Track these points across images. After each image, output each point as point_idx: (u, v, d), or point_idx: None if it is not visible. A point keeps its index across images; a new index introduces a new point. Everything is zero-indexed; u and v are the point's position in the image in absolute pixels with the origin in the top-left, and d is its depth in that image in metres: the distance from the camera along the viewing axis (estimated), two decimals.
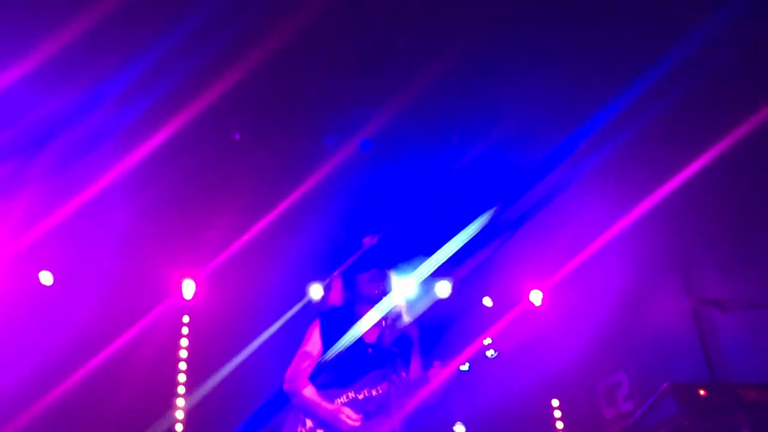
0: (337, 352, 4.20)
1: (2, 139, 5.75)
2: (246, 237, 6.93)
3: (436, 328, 6.78)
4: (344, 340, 4.20)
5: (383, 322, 4.30)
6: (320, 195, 6.78)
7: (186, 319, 7.46)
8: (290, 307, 7.18)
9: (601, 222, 7.02)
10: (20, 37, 5.05)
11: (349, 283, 4.43)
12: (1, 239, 6.37)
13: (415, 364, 4.38)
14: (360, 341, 4.26)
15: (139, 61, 5.23)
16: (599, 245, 7.06)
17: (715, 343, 6.59)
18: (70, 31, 4.99)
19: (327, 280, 7.15)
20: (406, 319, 4.43)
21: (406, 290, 6.61)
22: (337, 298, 4.50)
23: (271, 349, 6.93)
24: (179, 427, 6.92)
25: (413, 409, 4.17)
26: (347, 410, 4.07)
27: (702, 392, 4.58)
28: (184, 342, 7.35)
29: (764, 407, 4.56)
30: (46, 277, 6.76)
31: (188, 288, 7.31)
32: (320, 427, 4.10)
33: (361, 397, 4.14)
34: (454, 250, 6.88)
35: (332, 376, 4.21)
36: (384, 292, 4.30)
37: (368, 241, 4.48)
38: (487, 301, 8.06)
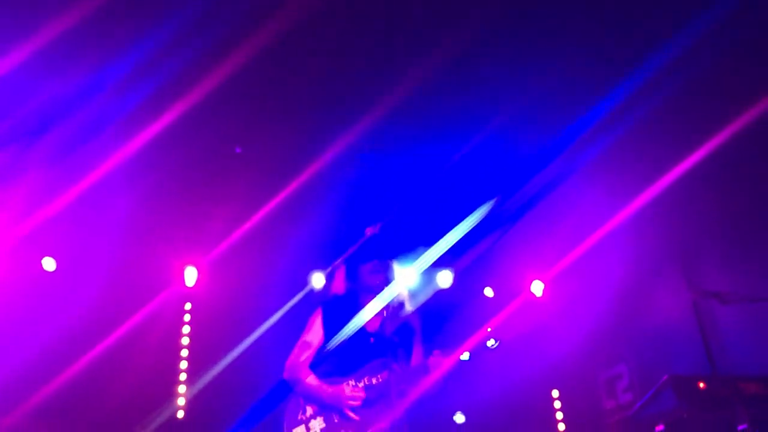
0: (338, 341, 4.22)
1: (3, 126, 5.75)
2: (248, 225, 6.93)
3: (438, 318, 6.79)
4: (346, 330, 4.22)
5: (385, 311, 4.33)
6: (322, 184, 6.79)
7: (188, 306, 7.47)
8: (292, 296, 7.19)
9: (603, 213, 7.01)
10: (21, 23, 5.04)
11: (351, 273, 4.44)
12: (3, 225, 6.37)
13: (417, 353, 4.40)
14: (362, 330, 4.28)
15: (140, 48, 5.22)
16: (600, 236, 7.06)
17: (716, 336, 6.60)
18: (71, 17, 4.98)
19: (329, 269, 7.16)
20: (408, 308, 4.44)
21: (408, 280, 6.63)
22: (339, 287, 4.52)
23: (272, 337, 6.95)
24: (181, 414, 6.95)
25: (414, 398, 4.19)
26: (348, 389, 4.09)
27: (702, 385, 4.61)
28: (186, 329, 7.37)
29: (764, 400, 4.59)
30: (49, 264, 6.77)
31: (190, 276, 7.32)
32: (320, 414, 4.12)
33: (361, 385, 4.16)
34: (456, 241, 6.89)
35: (333, 364, 4.23)
36: (386, 282, 4.32)
37: (370, 231, 4.48)
38: (489, 292, 8.07)
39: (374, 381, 4.16)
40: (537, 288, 8.10)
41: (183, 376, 7.12)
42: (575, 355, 7.89)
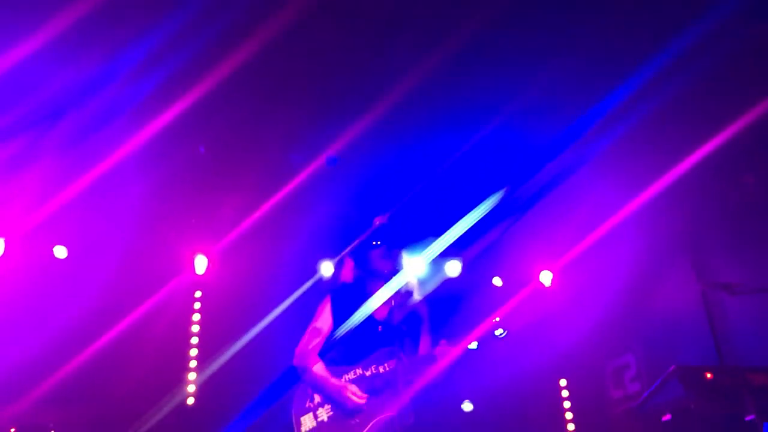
0: (347, 330, 4.25)
1: (17, 113, 5.78)
2: (258, 214, 6.96)
3: (446, 308, 6.82)
4: (354, 318, 4.25)
5: (393, 300, 4.35)
6: (332, 174, 6.80)
7: (198, 294, 7.51)
8: (301, 285, 7.22)
9: (612, 204, 7.01)
10: (34, 12, 5.05)
11: (361, 260, 4.46)
12: (16, 212, 6.42)
13: (424, 342, 4.42)
14: (370, 318, 4.30)
15: (152, 37, 5.22)
16: (610, 227, 7.06)
17: (724, 327, 6.60)
18: (85, 5, 5.00)
19: (338, 258, 7.19)
20: (417, 297, 4.47)
21: (417, 269, 6.66)
22: (348, 275, 4.54)
23: (281, 325, 6.99)
24: (191, 400, 7.00)
25: (421, 387, 4.21)
26: (353, 387, 4.12)
27: (709, 375, 4.60)
28: (196, 317, 7.42)
29: None
30: (60, 251, 6.82)
31: (201, 264, 7.36)
32: (328, 402, 4.16)
33: (368, 373, 4.19)
34: (465, 230, 6.90)
35: (341, 352, 4.26)
36: (395, 270, 4.34)
37: (379, 220, 4.50)
38: (497, 281, 8.08)
39: (381, 369, 4.18)
40: (545, 278, 8.10)
41: (193, 364, 7.17)
42: (583, 344, 7.90)
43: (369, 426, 4.05)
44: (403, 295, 4.38)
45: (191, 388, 7.05)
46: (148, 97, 5.79)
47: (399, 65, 5.77)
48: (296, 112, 6.33)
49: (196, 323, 7.39)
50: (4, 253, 6.45)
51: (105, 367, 6.49)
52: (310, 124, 6.45)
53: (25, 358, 6.16)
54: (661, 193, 6.61)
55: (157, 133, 6.07)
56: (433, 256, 6.86)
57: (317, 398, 4.19)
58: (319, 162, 6.59)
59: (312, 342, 4.29)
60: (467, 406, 7.67)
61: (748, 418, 4.47)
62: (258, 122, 6.42)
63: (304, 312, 4.63)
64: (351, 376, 4.20)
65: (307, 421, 4.14)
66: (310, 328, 4.35)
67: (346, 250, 4.59)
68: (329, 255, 7.46)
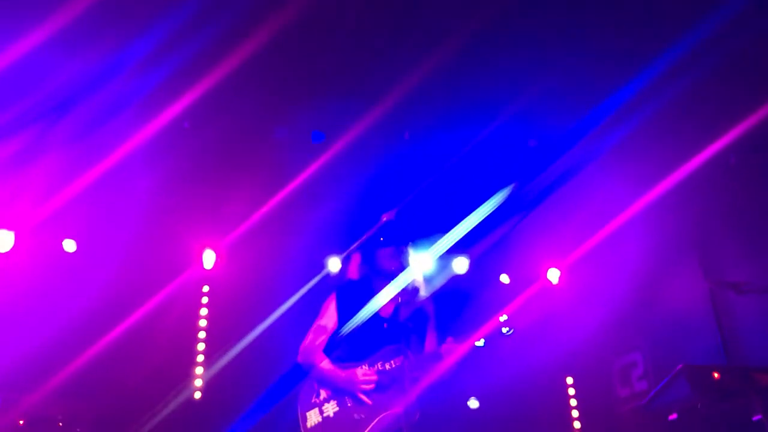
0: (352, 327, 4.25)
1: (25, 106, 5.78)
2: (266, 209, 6.97)
3: (453, 304, 6.82)
4: (360, 315, 4.25)
5: (400, 297, 4.35)
6: (340, 169, 6.80)
7: (206, 289, 7.54)
8: (308, 280, 7.23)
9: (620, 201, 6.99)
10: (41, 3, 5.05)
11: (367, 258, 4.46)
12: (25, 206, 6.45)
13: (430, 340, 4.42)
14: (376, 316, 4.31)
15: (160, 28, 5.20)
16: (618, 224, 7.04)
17: (732, 326, 6.58)
18: None
19: (345, 253, 7.20)
20: (423, 294, 4.47)
21: (424, 266, 6.66)
22: (354, 272, 4.54)
23: (289, 320, 7.01)
24: (198, 395, 7.03)
25: (428, 384, 4.22)
26: (361, 372, 4.13)
27: (716, 375, 4.59)
28: (203, 311, 7.44)
29: None
30: (69, 245, 6.84)
31: (209, 258, 7.38)
32: (334, 398, 4.17)
33: (374, 370, 4.19)
34: (472, 227, 6.90)
35: (347, 349, 4.27)
36: (401, 268, 4.34)
37: (386, 217, 4.50)
38: (505, 279, 8.07)
39: (387, 366, 4.19)
40: (553, 276, 8.09)
41: (200, 358, 7.20)
42: (590, 342, 7.88)
43: (374, 422, 4.06)
44: (410, 292, 4.38)
45: (198, 383, 7.07)
46: (156, 90, 5.78)
47: (406, 61, 5.76)
48: (305, 108, 6.32)
49: (203, 318, 7.41)
50: (13, 247, 6.48)
51: (113, 360, 6.51)
52: (318, 120, 6.45)
53: (34, 351, 6.18)
54: (669, 190, 6.59)
55: (165, 127, 6.07)
56: (441, 253, 6.86)
57: (323, 394, 4.20)
58: (321, 160, 6.58)
59: (317, 339, 4.30)
60: (473, 403, 7.67)
61: (755, 418, 4.47)
62: (267, 116, 6.42)
63: (311, 307, 4.63)
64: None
65: (313, 416, 4.15)
66: (314, 326, 4.36)
67: (353, 246, 4.59)
68: (337, 251, 7.47)
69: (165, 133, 6.14)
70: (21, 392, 6.07)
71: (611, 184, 6.99)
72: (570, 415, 8.00)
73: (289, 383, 5.98)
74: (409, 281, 4.36)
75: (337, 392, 4.17)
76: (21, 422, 5.92)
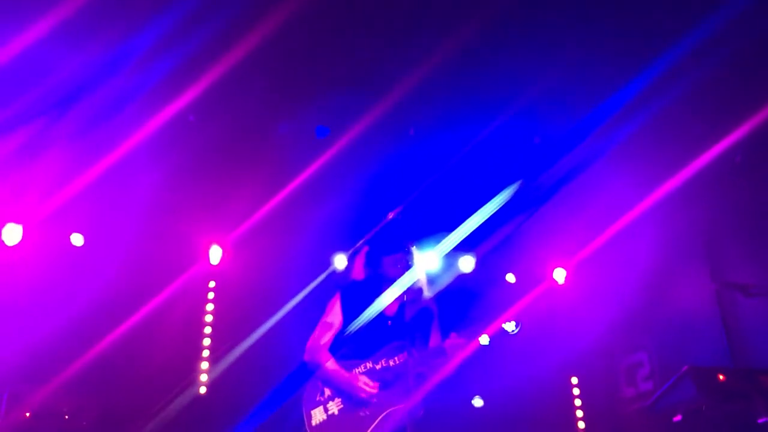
0: (357, 326, 4.26)
1: (31, 99, 5.78)
2: (273, 205, 6.98)
3: (459, 303, 6.81)
4: (365, 314, 4.26)
5: (404, 296, 4.36)
6: (346, 166, 6.81)
7: (212, 284, 7.55)
8: (315, 276, 7.24)
9: (628, 200, 6.96)
10: None
11: (372, 261, 4.47)
12: (32, 200, 6.46)
13: (434, 338, 4.43)
14: (380, 314, 4.32)
15: (164, 21, 5.17)
16: (625, 224, 7.01)
17: (738, 328, 6.55)
18: None
19: (351, 251, 7.21)
20: (427, 294, 4.47)
21: (429, 264, 6.65)
22: (358, 272, 4.55)
23: (294, 317, 7.02)
24: (203, 389, 7.05)
25: (432, 381, 4.23)
26: (363, 378, 4.14)
27: (721, 377, 4.58)
28: (209, 307, 7.46)
29: None
30: (77, 239, 6.86)
31: (215, 254, 7.40)
32: (338, 396, 4.18)
33: (378, 367, 4.21)
34: (478, 224, 6.88)
35: (352, 347, 4.28)
36: (405, 269, 4.34)
37: (392, 215, 4.51)
38: (511, 278, 8.06)
39: (392, 363, 4.20)
40: (559, 275, 8.07)
41: (206, 353, 7.22)
42: (596, 342, 7.87)
43: (379, 419, 4.08)
44: (414, 291, 4.39)
45: (204, 378, 7.10)
46: (161, 83, 5.76)
47: (412, 56, 5.73)
48: (309, 104, 6.32)
49: (209, 313, 7.43)
50: (21, 241, 6.50)
51: (118, 355, 6.53)
52: (323, 116, 6.44)
53: (41, 344, 6.20)
54: (677, 190, 6.55)
55: (171, 121, 6.07)
56: (447, 251, 6.85)
57: (327, 392, 4.21)
58: (325, 157, 6.58)
59: (323, 337, 4.31)
60: (478, 402, 7.67)
61: (760, 420, 4.46)
62: (271, 111, 6.42)
63: (318, 304, 4.64)
64: (361, 369, 4.23)
65: (318, 414, 4.16)
66: (320, 323, 4.38)
67: (359, 243, 4.60)
68: (343, 248, 7.47)
69: (171, 126, 6.13)
70: (27, 385, 6.10)
71: (617, 183, 6.96)
72: (574, 414, 7.99)
73: (294, 381, 6.00)
74: (414, 281, 4.37)
75: (341, 391, 4.18)
76: (27, 415, 5.95)
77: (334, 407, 4.16)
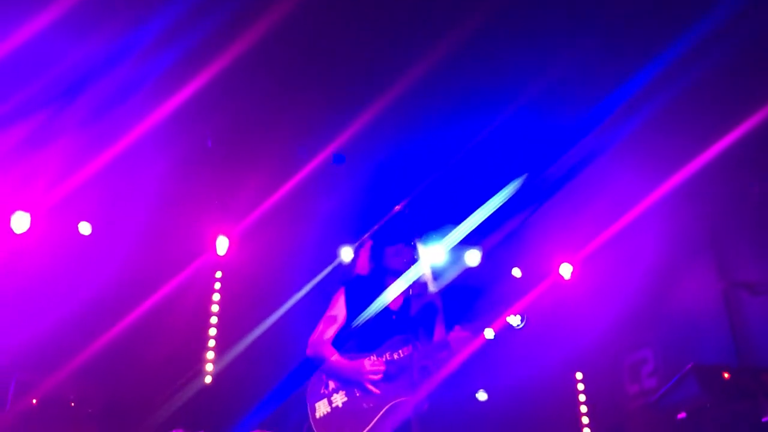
0: (362, 320, 4.27)
1: (38, 87, 5.79)
2: (280, 196, 6.99)
3: (465, 297, 6.82)
4: (369, 309, 4.26)
5: (409, 290, 4.36)
6: (353, 158, 6.81)
7: (219, 275, 7.57)
8: (321, 269, 7.26)
9: (634, 195, 6.94)
10: None
11: (376, 254, 4.47)
12: (40, 188, 6.48)
13: (439, 332, 4.43)
14: (385, 308, 4.32)
15: (171, 10, 5.16)
16: (631, 219, 6.99)
17: (743, 326, 6.54)
18: None
19: (357, 244, 7.21)
20: (432, 288, 4.47)
21: (435, 258, 6.65)
22: (363, 267, 4.55)
23: (300, 308, 7.04)
24: (208, 379, 7.09)
25: (437, 375, 4.23)
26: (369, 363, 4.15)
27: (726, 375, 4.58)
28: (216, 297, 7.48)
29: None
30: (85, 227, 6.88)
31: (222, 244, 7.41)
32: (342, 388, 4.19)
33: (383, 360, 4.21)
34: (484, 218, 6.88)
35: (356, 342, 4.28)
36: (410, 264, 4.34)
37: (398, 208, 4.50)
38: (517, 272, 8.06)
39: (396, 356, 4.20)
40: (565, 270, 8.06)
41: (212, 343, 7.25)
42: (601, 338, 7.87)
43: (383, 411, 4.08)
44: (419, 285, 4.39)
45: (209, 368, 7.13)
46: (169, 73, 5.75)
47: (416, 50, 5.71)
48: (315, 96, 6.31)
49: (216, 303, 7.45)
50: (29, 228, 6.52)
51: (125, 344, 6.56)
52: (329, 109, 6.43)
53: (48, 332, 6.24)
54: (684, 185, 6.52)
55: (179, 110, 6.06)
56: (453, 245, 6.85)
57: (332, 384, 4.22)
58: (336, 143, 6.58)
59: (327, 332, 4.31)
60: (482, 396, 7.68)
61: (764, 419, 4.45)
62: (279, 102, 6.41)
63: (323, 296, 4.65)
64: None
65: (322, 407, 4.17)
66: (324, 317, 4.37)
67: (363, 238, 4.59)
68: (349, 240, 7.47)
69: (179, 116, 6.13)
70: (35, 373, 6.14)
71: (624, 178, 6.93)
72: (579, 410, 8.00)
73: (298, 373, 6.02)
74: (419, 275, 4.37)
75: (346, 383, 4.19)
76: (34, 401, 5.99)
77: (338, 400, 4.17)
